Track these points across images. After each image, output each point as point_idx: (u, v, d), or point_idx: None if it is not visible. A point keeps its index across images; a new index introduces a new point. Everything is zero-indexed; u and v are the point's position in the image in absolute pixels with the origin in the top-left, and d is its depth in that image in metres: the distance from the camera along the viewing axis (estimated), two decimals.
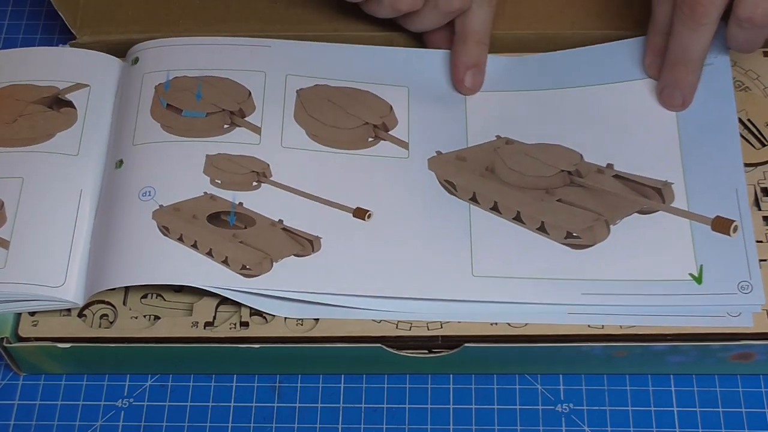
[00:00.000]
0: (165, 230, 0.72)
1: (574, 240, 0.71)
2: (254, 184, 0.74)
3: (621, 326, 0.68)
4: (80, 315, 0.71)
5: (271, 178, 0.74)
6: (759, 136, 0.76)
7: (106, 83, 0.79)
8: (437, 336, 0.69)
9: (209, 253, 0.71)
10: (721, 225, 0.70)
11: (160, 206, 0.72)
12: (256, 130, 0.76)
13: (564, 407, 0.71)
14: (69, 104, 0.78)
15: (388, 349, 0.69)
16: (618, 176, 0.74)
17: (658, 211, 0.72)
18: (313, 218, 0.73)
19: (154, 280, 0.69)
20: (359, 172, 0.75)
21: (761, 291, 0.69)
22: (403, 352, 0.69)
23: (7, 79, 0.79)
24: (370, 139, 0.76)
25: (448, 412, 0.71)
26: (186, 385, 0.73)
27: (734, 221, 0.70)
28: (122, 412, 0.72)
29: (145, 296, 0.72)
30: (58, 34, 0.89)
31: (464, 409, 0.71)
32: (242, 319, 0.70)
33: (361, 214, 0.73)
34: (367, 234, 0.72)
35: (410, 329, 0.69)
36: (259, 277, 0.70)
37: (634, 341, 0.68)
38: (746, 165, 0.74)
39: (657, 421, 0.70)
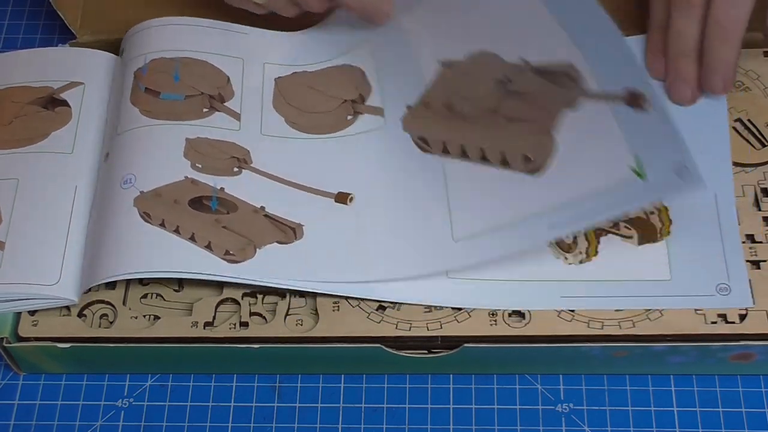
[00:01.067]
0: (146, 216, 0.71)
1: (532, 165, 0.70)
2: (235, 170, 0.74)
3: (621, 326, 0.68)
4: (80, 315, 0.71)
5: (251, 165, 0.74)
6: (759, 136, 0.76)
7: (101, 80, 0.79)
8: (437, 336, 0.69)
9: (192, 238, 0.70)
10: (634, 100, 0.68)
11: (141, 192, 0.72)
12: (236, 116, 0.76)
13: (564, 407, 0.71)
14: (64, 103, 0.78)
15: (387, 349, 0.69)
16: (536, 71, 0.72)
17: (579, 100, 0.70)
18: (295, 205, 0.73)
19: (138, 268, 0.69)
20: (339, 155, 0.75)
21: (745, 293, 0.68)
22: (402, 353, 0.69)
23: (2, 82, 0.79)
24: (348, 117, 0.76)
25: (448, 412, 0.71)
26: (186, 385, 0.73)
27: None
28: (122, 412, 0.72)
29: (144, 296, 0.72)
30: (58, 34, 0.89)
31: (464, 409, 0.71)
32: (242, 319, 0.70)
33: (342, 198, 0.73)
34: (349, 218, 0.72)
35: (410, 329, 0.69)
36: (243, 263, 0.70)
37: (634, 341, 0.68)
38: (746, 165, 0.74)
39: (657, 421, 0.70)
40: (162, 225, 0.71)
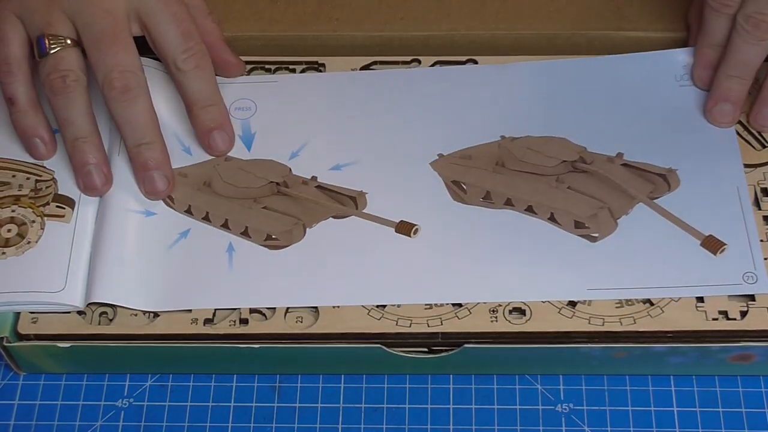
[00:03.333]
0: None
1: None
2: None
3: (621, 323, 0.68)
4: (79, 312, 0.71)
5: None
6: (759, 137, 0.76)
7: None
8: (437, 333, 0.69)
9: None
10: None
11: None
12: None
13: (564, 407, 0.71)
14: None
15: (387, 349, 0.69)
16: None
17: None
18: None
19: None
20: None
21: (766, 281, 0.69)
22: (402, 351, 0.69)
23: None
24: None
25: (448, 412, 0.71)
26: (186, 385, 0.73)
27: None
28: (122, 412, 0.72)
29: None
30: None
31: (464, 409, 0.71)
32: (242, 317, 0.70)
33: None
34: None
35: (410, 326, 0.69)
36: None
37: (634, 341, 0.68)
38: (746, 166, 0.75)
39: (657, 421, 0.70)
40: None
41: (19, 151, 0.76)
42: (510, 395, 0.72)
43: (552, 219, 0.72)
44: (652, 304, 0.69)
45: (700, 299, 0.69)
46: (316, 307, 0.70)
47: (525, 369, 0.72)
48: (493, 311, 0.69)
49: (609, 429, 0.70)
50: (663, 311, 0.68)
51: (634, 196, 0.72)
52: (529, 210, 0.73)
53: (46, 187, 0.74)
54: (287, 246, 0.72)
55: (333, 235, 0.72)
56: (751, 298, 0.69)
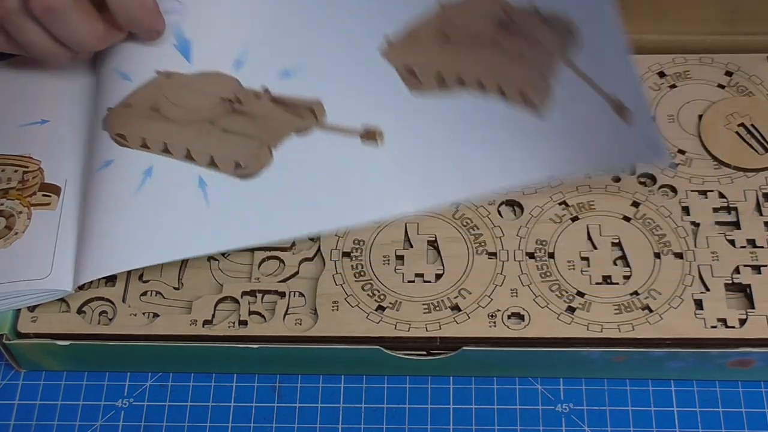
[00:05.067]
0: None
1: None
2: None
3: (620, 329, 0.68)
4: (79, 311, 0.71)
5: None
6: (762, 141, 0.76)
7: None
8: (435, 337, 0.69)
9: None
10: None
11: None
12: None
13: (564, 407, 0.71)
14: None
15: (386, 351, 0.69)
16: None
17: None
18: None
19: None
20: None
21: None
22: (401, 354, 0.69)
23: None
24: None
25: (448, 412, 0.71)
26: (186, 385, 0.73)
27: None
28: (122, 412, 0.72)
29: (144, 293, 0.72)
30: None
31: (464, 409, 0.71)
32: (241, 318, 0.70)
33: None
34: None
35: (409, 330, 0.69)
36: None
37: (633, 345, 0.68)
38: (749, 170, 0.74)
39: (657, 421, 0.70)
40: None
41: (7, 145, 0.76)
42: (510, 395, 0.72)
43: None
44: (651, 310, 0.69)
45: (699, 305, 0.69)
46: (315, 310, 0.70)
47: (524, 373, 0.72)
48: (492, 316, 0.69)
49: (609, 429, 0.70)
50: (662, 318, 0.68)
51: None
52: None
53: (33, 177, 0.74)
54: (256, 172, 0.70)
55: (300, 157, 0.70)
56: (750, 306, 0.69)
